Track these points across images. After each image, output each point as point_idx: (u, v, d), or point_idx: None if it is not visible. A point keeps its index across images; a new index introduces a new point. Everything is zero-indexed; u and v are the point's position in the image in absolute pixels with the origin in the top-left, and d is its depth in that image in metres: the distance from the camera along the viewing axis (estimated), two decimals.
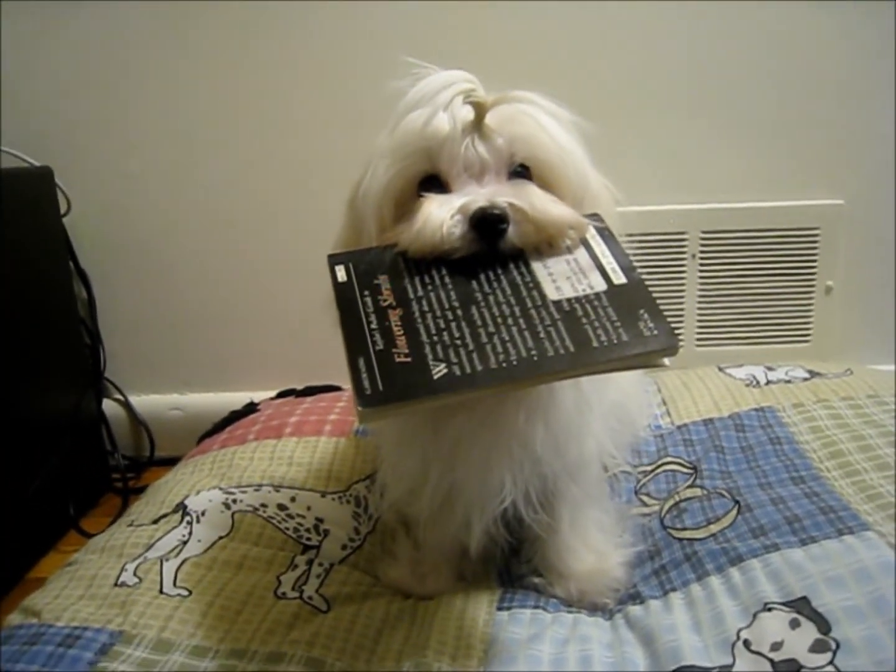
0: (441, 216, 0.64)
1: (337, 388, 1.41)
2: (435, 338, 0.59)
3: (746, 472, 0.95)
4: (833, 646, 0.64)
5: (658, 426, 1.13)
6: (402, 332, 0.60)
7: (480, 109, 0.67)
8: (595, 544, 0.85)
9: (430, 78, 0.67)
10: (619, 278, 0.63)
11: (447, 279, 0.63)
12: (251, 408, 1.38)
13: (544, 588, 0.84)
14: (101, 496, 1.60)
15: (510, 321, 0.60)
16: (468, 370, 0.57)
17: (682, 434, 1.08)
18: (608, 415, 0.84)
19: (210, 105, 1.56)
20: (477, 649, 0.74)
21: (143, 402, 1.72)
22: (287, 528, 0.95)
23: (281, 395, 1.46)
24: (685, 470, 1.00)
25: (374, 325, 0.60)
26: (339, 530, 0.96)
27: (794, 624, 0.68)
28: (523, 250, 0.65)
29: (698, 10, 1.48)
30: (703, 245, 1.55)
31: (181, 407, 1.71)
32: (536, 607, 0.80)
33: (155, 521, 0.98)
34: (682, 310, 1.57)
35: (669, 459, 1.03)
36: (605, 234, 0.67)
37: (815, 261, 1.56)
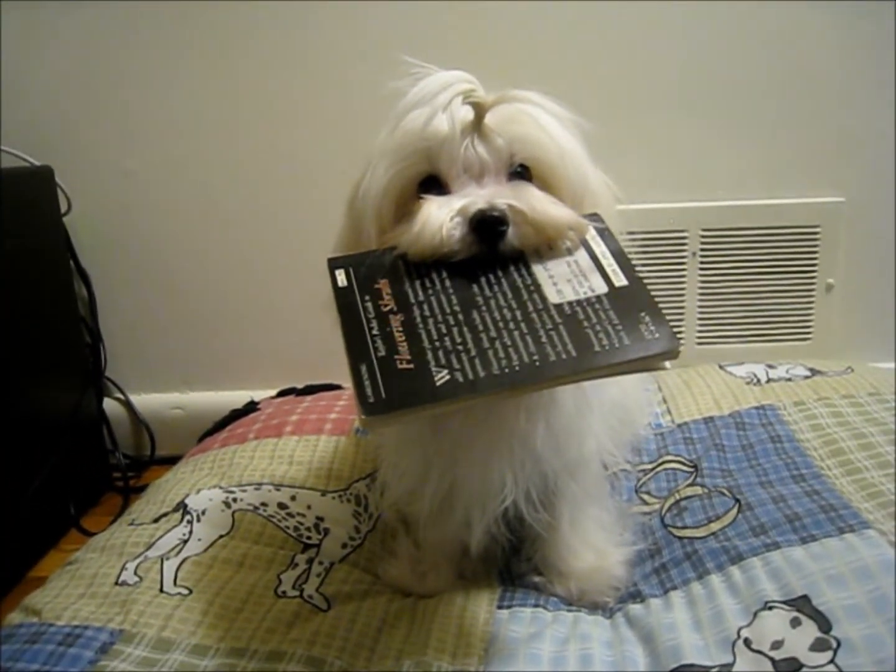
0: (440, 218, 0.63)
1: (337, 387, 1.41)
2: (437, 343, 0.59)
3: (747, 471, 0.95)
4: (834, 644, 0.64)
5: (658, 424, 1.13)
6: (403, 337, 0.59)
7: (480, 109, 0.67)
8: (595, 543, 0.85)
9: (429, 78, 0.67)
10: (620, 280, 0.63)
11: (448, 283, 0.63)
12: (252, 406, 1.38)
13: (544, 587, 0.84)
14: (102, 495, 1.60)
15: (511, 325, 0.60)
16: (470, 376, 0.57)
17: (683, 432, 1.09)
18: (608, 413, 0.84)
19: (211, 104, 1.55)
20: (477, 648, 0.74)
21: (143, 400, 1.72)
22: (287, 527, 0.95)
23: (281, 393, 1.46)
24: (686, 468, 1.00)
25: (375, 331, 0.60)
26: (340, 529, 0.96)
27: (795, 622, 0.67)
28: (523, 252, 0.65)
29: (699, 8, 1.47)
30: (703, 243, 1.54)
31: (182, 406, 1.71)
32: (537, 606, 0.80)
33: (155, 520, 0.98)
34: (682, 308, 1.57)
35: (670, 458, 1.03)
36: (605, 234, 0.67)
37: (815, 258, 1.56)
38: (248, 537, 0.93)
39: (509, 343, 0.58)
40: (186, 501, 1.00)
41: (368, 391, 0.56)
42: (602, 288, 0.62)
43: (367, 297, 0.63)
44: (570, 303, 0.61)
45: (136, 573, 0.87)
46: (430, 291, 0.62)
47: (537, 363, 0.57)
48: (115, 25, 1.52)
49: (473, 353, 0.58)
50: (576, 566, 0.83)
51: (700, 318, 1.58)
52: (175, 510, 0.99)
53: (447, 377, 0.57)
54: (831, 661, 0.63)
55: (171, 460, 1.30)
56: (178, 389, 1.73)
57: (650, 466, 1.03)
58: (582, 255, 0.65)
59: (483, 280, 0.63)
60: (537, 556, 0.85)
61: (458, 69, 0.68)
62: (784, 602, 0.70)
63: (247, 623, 0.79)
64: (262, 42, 1.52)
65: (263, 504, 0.99)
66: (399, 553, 0.90)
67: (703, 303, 1.57)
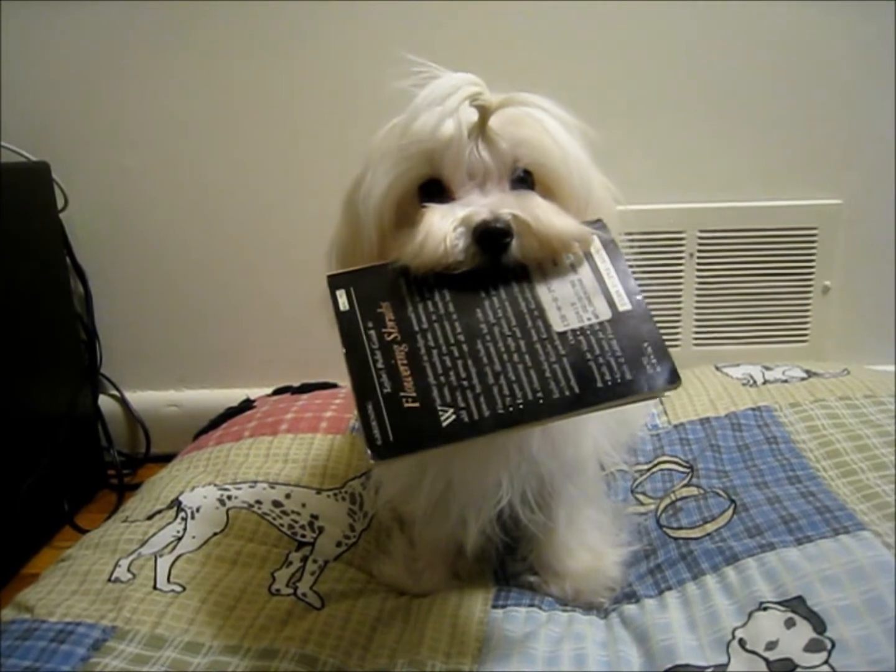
0: (444, 229, 0.63)
1: (333, 386, 1.41)
2: (442, 378, 0.59)
3: (743, 472, 0.95)
4: (828, 645, 0.64)
5: (655, 425, 1.13)
6: (408, 371, 0.59)
7: (484, 112, 0.66)
8: (591, 543, 0.85)
9: (438, 81, 0.65)
10: (624, 304, 0.63)
11: (451, 307, 0.62)
12: (247, 404, 1.38)
13: (539, 586, 0.84)
14: (97, 492, 1.59)
15: (516, 357, 0.60)
16: (475, 416, 0.57)
17: (679, 433, 1.09)
18: (605, 414, 0.84)
19: (208, 101, 1.55)
20: (471, 647, 0.74)
21: (139, 398, 1.71)
22: (282, 525, 0.95)
23: (277, 392, 1.46)
24: (681, 469, 1.00)
25: (380, 364, 0.60)
26: (334, 527, 0.95)
27: (790, 623, 0.67)
28: (526, 266, 0.64)
29: (697, 9, 1.48)
30: (700, 244, 1.54)
31: (177, 403, 1.71)
32: (531, 606, 0.80)
33: (149, 518, 0.98)
34: (679, 309, 1.57)
35: (666, 458, 1.03)
36: (610, 247, 0.66)
37: (812, 260, 1.56)
38: (243, 535, 0.93)
39: (513, 378, 0.59)
40: (181, 499, 1.00)
41: (376, 433, 0.56)
42: (606, 313, 0.62)
43: (370, 325, 0.62)
44: (573, 331, 0.61)
45: (129, 570, 0.87)
46: (434, 317, 0.62)
47: (541, 401, 0.58)
48: (114, 22, 1.51)
49: (478, 389, 0.58)
50: (571, 566, 0.83)
51: (697, 320, 1.58)
52: (169, 507, 0.99)
53: (452, 417, 0.57)
54: (826, 662, 0.63)
55: (166, 458, 1.30)
56: (174, 387, 1.72)
57: (646, 467, 1.03)
58: (586, 274, 0.65)
59: (487, 304, 0.62)
60: (532, 555, 0.85)
61: (460, 70, 0.67)
62: (779, 603, 0.70)
63: (240, 621, 0.79)
64: (260, 40, 1.52)
65: (258, 502, 0.98)
66: (394, 552, 0.89)
67: (699, 304, 1.57)
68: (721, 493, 0.91)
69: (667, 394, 0.60)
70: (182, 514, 0.97)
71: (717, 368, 1.28)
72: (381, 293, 0.64)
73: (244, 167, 1.58)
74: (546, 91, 0.69)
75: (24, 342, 1.38)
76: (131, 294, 1.66)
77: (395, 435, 0.57)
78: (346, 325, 0.62)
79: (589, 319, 0.62)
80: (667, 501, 0.93)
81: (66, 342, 1.56)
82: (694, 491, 0.94)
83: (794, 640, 0.65)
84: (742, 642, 0.68)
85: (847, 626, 0.65)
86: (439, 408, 0.58)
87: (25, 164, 1.50)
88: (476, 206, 0.64)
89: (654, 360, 0.59)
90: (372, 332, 0.62)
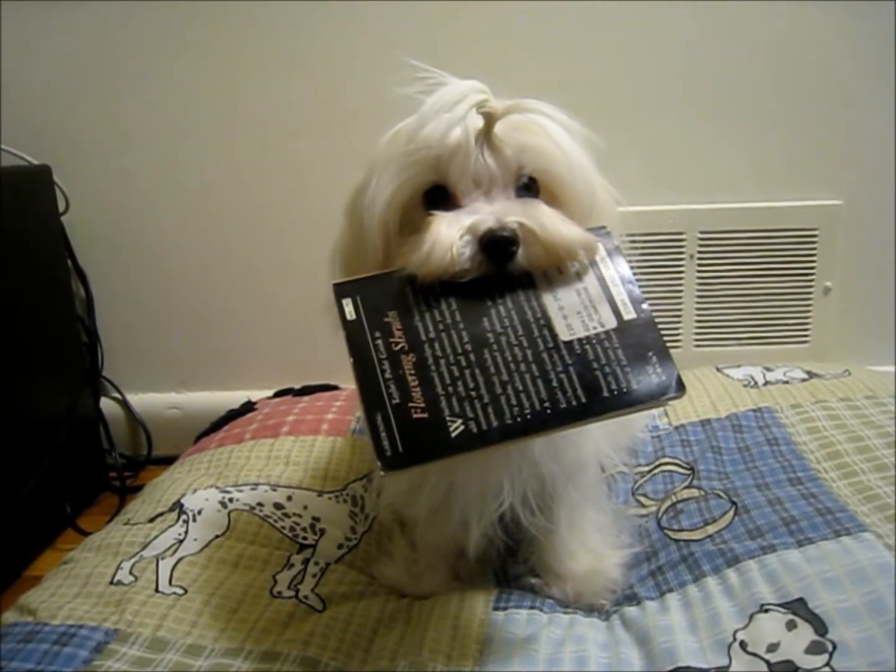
0: (450, 237, 0.63)
1: (334, 388, 1.41)
2: (450, 388, 0.59)
3: (744, 473, 0.95)
4: (829, 647, 0.64)
5: (655, 427, 1.13)
6: (416, 381, 0.60)
7: (490, 119, 0.66)
8: (592, 545, 0.85)
9: (446, 89, 0.65)
10: (629, 312, 0.63)
11: (458, 316, 0.62)
12: (248, 407, 1.38)
13: (541, 589, 0.84)
14: (98, 495, 1.59)
15: (523, 367, 0.60)
16: (483, 426, 0.58)
17: (680, 435, 1.08)
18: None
19: (209, 104, 1.55)
20: (472, 649, 0.73)
21: (140, 400, 1.72)
22: (283, 527, 0.95)
23: (278, 394, 1.46)
24: (682, 471, 1.00)
25: (388, 375, 0.60)
26: (336, 529, 0.95)
27: (791, 625, 0.67)
28: (532, 275, 0.64)
29: (697, 10, 1.48)
30: (701, 245, 1.54)
31: (179, 406, 1.71)
32: (532, 608, 0.80)
33: (151, 520, 0.98)
34: (679, 310, 1.57)
35: (667, 460, 1.03)
36: (615, 254, 0.67)
37: (813, 261, 1.56)
38: (244, 537, 0.93)
39: (521, 388, 0.59)
40: (182, 501, 1.00)
41: (385, 444, 0.57)
42: (611, 322, 0.63)
43: (377, 334, 0.62)
44: (579, 339, 0.62)
45: (131, 573, 0.87)
46: (441, 326, 0.62)
47: (548, 411, 0.58)
48: (115, 25, 1.52)
49: (486, 399, 0.59)
50: (572, 568, 0.83)
51: (697, 321, 1.58)
52: (171, 510, 0.99)
53: (461, 428, 0.58)
54: (827, 664, 0.63)
55: (168, 460, 1.30)
56: (175, 389, 1.72)
57: (647, 469, 1.03)
58: (591, 282, 0.65)
59: (493, 313, 0.63)
60: (534, 557, 0.85)
61: (461, 73, 0.67)
62: (780, 605, 0.70)
63: (242, 623, 0.79)
64: (260, 42, 1.52)
65: (259, 504, 0.98)
66: (395, 554, 0.89)
67: (700, 305, 1.57)
68: (722, 494, 0.91)
69: (671, 402, 0.60)
70: (184, 517, 0.97)
71: (718, 369, 1.28)
72: (388, 302, 0.64)
73: (245, 169, 1.58)
74: (545, 93, 0.69)
75: (26, 344, 1.38)
76: (132, 296, 1.66)
77: (404, 446, 0.57)
78: (354, 334, 0.62)
79: (594, 328, 0.62)
80: (668, 503, 0.93)
81: (68, 345, 1.56)
82: (695, 493, 0.94)
83: (795, 642, 0.65)
84: (743, 644, 0.68)
85: (848, 628, 0.65)
86: (448, 418, 0.58)
87: (27, 167, 1.50)
88: (482, 213, 0.64)
89: (658, 370, 0.60)
90: (379, 342, 0.62)
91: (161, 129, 1.57)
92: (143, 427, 1.70)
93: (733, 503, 0.88)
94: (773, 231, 1.54)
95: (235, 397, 1.50)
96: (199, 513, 0.97)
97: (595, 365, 0.60)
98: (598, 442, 0.82)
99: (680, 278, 1.56)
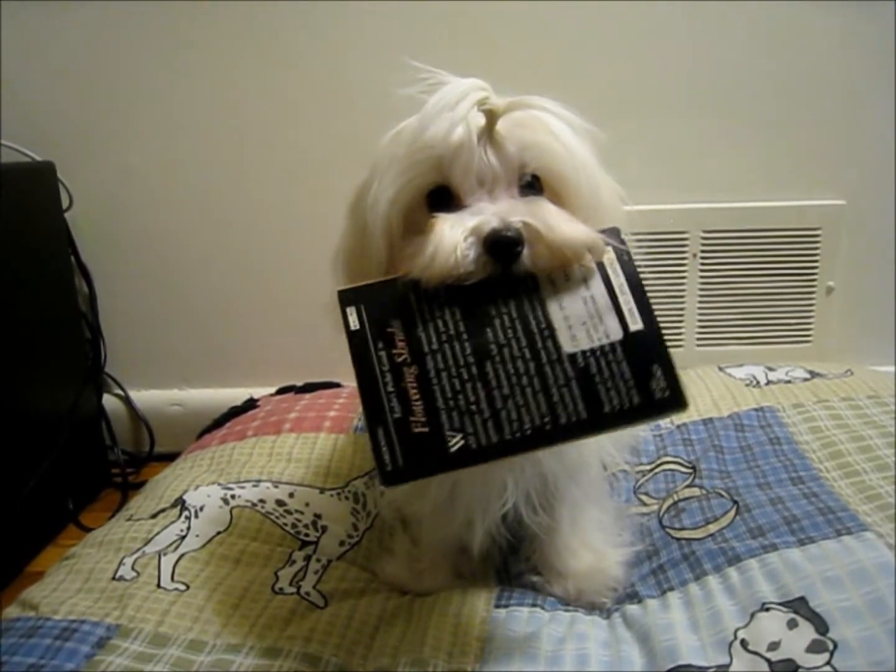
0: (454, 239, 0.62)
1: (336, 385, 1.42)
2: (451, 402, 0.60)
3: (745, 472, 0.95)
4: (830, 646, 0.64)
5: (657, 425, 1.12)
6: (418, 395, 0.60)
7: (492, 116, 0.65)
8: (594, 543, 0.85)
9: (447, 88, 0.64)
10: (636, 323, 0.62)
11: (461, 326, 0.62)
12: (251, 404, 1.38)
13: (542, 587, 0.84)
14: (101, 491, 1.60)
15: (525, 380, 0.60)
16: (483, 442, 0.58)
17: (682, 433, 1.08)
18: None
19: (212, 100, 1.55)
20: (473, 647, 0.74)
21: (142, 397, 1.72)
22: (285, 524, 0.95)
23: (280, 391, 1.46)
24: (684, 470, 1.00)
25: (390, 388, 0.60)
26: (338, 526, 0.96)
27: (792, 624, 0.67)
28: (537, 279, 0.64)
29: (700, 9, 1.47)
30: (703, 244, 1.54)
31: (181, 402, 1.71)
32: (534, 605, 0.80)
33: (153, 516, 0.98)
34: (682, 309, 1.57)
35: (668, 459, 1.03)
36: (624, 258, 0.65)
37: (816, 261, 1.55)
38: (246, 534, 0.93)
39: (521, 403, 0.59)
40: (185, 497, 1.00)
41: (386, 458, 0.58)
42: (617, 333, 0.62)
43: (380, 345, 0.62)
44: (583, 352, 0.61)
45: (133, 568, 0.87)
46: (444, 337, 0.62)
47: (547, 426, 0.59)
48: (118, 21, 1.52)
49: (486, 414, 0.59)
50: (574, 566, 0.83)
51: (700, 320, 1.58)
52: (173, 506, 0.99)
53: (461, 443, 0.58)
54: (828, 663, 0.63)
55: (170, 457, 1.30)
56: (178, 386, 1.73)
57: (649, 467, 1.03)
58: (598, 289, 0.64)
59: (497, 323, 0.62)
60: (535, 555, 0.85)
61: (462, 72, 0.66)
62: (781, 603, 0.70)
63: (243, 619, 0.79)
64: (263, 39, 1.52)
65: (261, 501, 0.99)
66: (396, 551, 0.90)
67: (703, 304, 1.57)
68: (723, 493, 0.91)
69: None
70: (186, 513, 0.97)
71: (720, 369, 1.28)
72: (392, 311, 0.64)
73: (249, 166, 1.58)
74: (548, 91, 0.69)
75: (29, 341, 1.38)
76: (136, 293, 1.66)
77: (404, 460, 0.58)
78: (357, 345, 0.63)
79: (600, 340, 0.62)
80: (669, 502, 0.93)
81: (70, 341, 1.56)
82: (696, 492, 0.94)
83: (796, 641, 0.65)
84: (744, 643, 0.68)
85: (849, 627, 0.65)
86: (447, 433, 0.59)
87: (30, 163, 1.50)
88: (486, 214, 0.64)
89: (662, 384, 0.59)
90: (382, 354, 0.62)
91: (165, 126, 1.57)
92: (145, 424, 1.70)
93: (735, 502, 0.89)
94: (775, 230, 1.54)
95: (238, 394, 1.50)
96: (202, 509, 0.97)
97: (598, 379, 0.60)
98: (601, 441, 0.82)
99: (682, 277, 1.56)
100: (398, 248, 0.68)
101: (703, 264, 1.55)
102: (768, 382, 1.19)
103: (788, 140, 1.54)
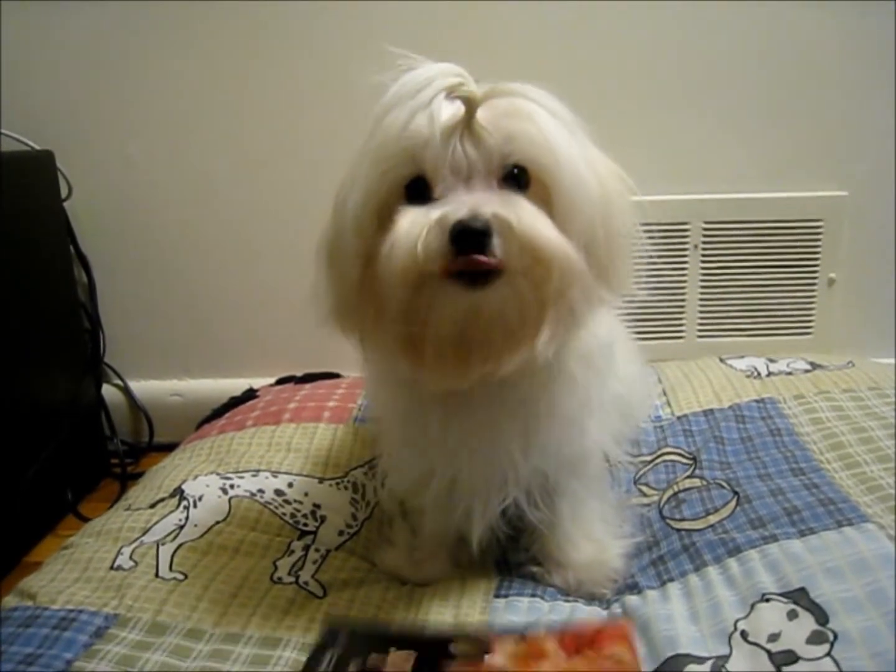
0: (415, 231, 0.60)
1: (336, 375, 1.41)
2: None
3: (746, 464, 0.95)
4: (830, 637, 0.64)
5: (658, 417, 1.12)
6: None
7: (470, 105, 0.62)
8: (595, 535, 0.85)
9: (411, 73, 0.62)
10: None
11: None
12: (250, 394, 1.38)
13: (542, 577, 0.83)
14: (100, 481, 1.59)
15: None
16: None
17: (683, 424, 1.08)
18: (610, 409, 0.84)
19: (212, 91, 1.55)
20: None
21: (142, 387, 1.71)
22: (284, 514, 0.95)
23: (280, 381, 1.46)
24: (685, 460, 1.00)
25: None
26: (337, 516, 0.95)
27: (792, 615, 0.67)
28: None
29: (702, 2, 1.47)
30: (705, 236, 1.54)
31: (180, 393, 1.71)
32: (534, 596, 0.80)
33: (152, 506, 0.98)
34: (683, 301, 1.56)
35: (669, 450, 1.03)
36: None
37: (817, 253, 1.55)
38: (245, 524, 0.93)
39: None
40: (183, 487, 1.00)
41: None
42: None
43: None
44: None
45: (131, 558, 0.87)
46: None
47: None
48: (119, 12, 1.51)
49: None
50: (574, 558, 0.83)
51: (701, 311, 1.57)
52: (172, 496, 0.99)
53: None
54: (828, 654, 0.62)
55: (169, 447, 1.30)
56: (177, 376, 1.72)
57: (649, 458, 1.03)
58: None
59: None
60: (535, 546, 0.85)
61: (447, 62, 0.63)
62: (781, 594, 0.70)
63: (242, 608, 0.79)
64: (263, 31, 1.51)
65: (260, 491, 0.98)
66: (396, 541, 0.89)
67: (704, 296, 1.57)
68: (724, 484, 0.91)
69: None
70: (184, 503, 0.97)
71: (721, 360, 1.28)
72: None
73: (248, 156, 1.57)
74: (548, 82, 0.66)
75: (28, 332, 1.37)
76: (135, 283, 1.66)
77: None
78: None
79: None
80: (669, 493, 0.93)
81: (70, 331, 1.56)
82: (697, 482, 0.93)
83: (796, 632, 0.65)
84: (744, 634, 0.67)
85: (849, 618, 0.65)
86: None
87: (29, 152, 1.50)
88: (455, 204, 0.61)
89: None
90: None
91: (165, 115, 1.57)
92: (144, 414, 1.70)
93: (735, 493, 0.88)
94: (777, 222, 1.53)
95: (237, 385, 1.50)
96: (200, 499, 0.97)
97: None
98: (602, 435, 0.82)
99: (684, 268, 1.55)
100: (373, 245, 0.64)
101: (704, 255, 1.55)
102: (769, 374, 1.18)
103: (790, 131, 1.53)
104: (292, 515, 0.95)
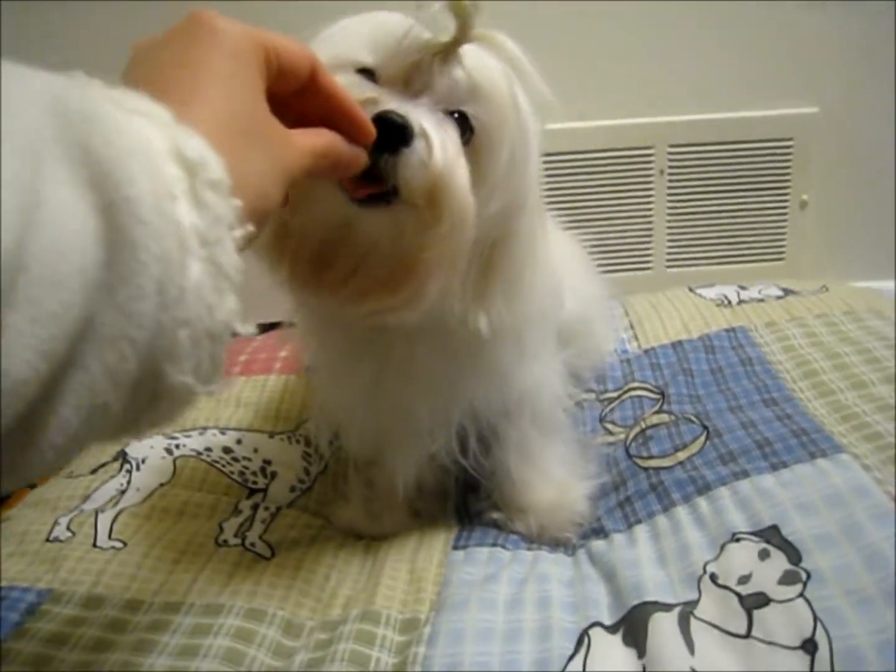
0: None
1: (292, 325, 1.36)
2: None
3: (716, 396, 0.91)
4: (804, 577, 0.60)
5: (625, 350, 1.08)
6: None
7: (463, 31, 0.57)
8: (555, 477, 0.81)
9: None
10: None
11: None
12: None
13: (504, 523, 0.80)
14: None
15: None
16: None
17: (650, 358, 1.04)
18: (554, 348, 0.82)
19: None
20: (429, 592, 0.70)
21: None
22: (232, 472, 0.90)
23: (231, 334, 1.40)
24: (652, 395, 0.96)
25: None
26: (288, 472, 0.91)
27: (764, 554, 0.64)
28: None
29: None
30: (670, 160, 1.48)
31: None
32: (495, 545, 0.76)
33: (93, 472, 0.93)
34: (650, 229, 1.51)
35: (636, 385, 0.99)
36: None
37: (788, 173, 1.51)
38: (191, 485, 0.88)
39: None
40: (126, 450, 0.94)
41: None
42: None
43: None
44: None
45: (68, 528, 0.82)
46: None
47: None
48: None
49: None
50: (535, 501, 0.79)
51: (669, 240, 1.53)
52: (115, 460, 0.94)
53: None
54: (801, 595, 0.59)
55: None
56: None
57: (615, 395, 0.99)
58: None
59: None
60: (496, 492, 0.81)
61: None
62: (752, 533, 0.66)
63: (184, 575, 0.74)
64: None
65: (207, 449, 0.93)
66: (351, 494, 0.85)
67: (671, 223, 1.52)
68: (693, 419, 0.87)
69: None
70: (127, 466, 0.92)
71: (691, 290, 1.23)
72: None
73: None
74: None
75: None
76: None
77: None
78: None
79: None
80: (636, 430, 0.89)
81: None
82: (665, 418, 0.89)
83: (767, 573, 0.62)
84: (714, 577, 0.64)
85: (823, 556, 0.61)
86: None
87: None
88: (393, 101, 0.56)
89: None
90: None
91: None
92: None
93: (705, 427, 0.84)
94: (746, 142, 1.49)
95: None
96: (143, 461, 0.92)
97: None
98: (545, 376, 0.78)
99: (649, 195, 1.50)
100: None
101: (670, 181, 1.50)
102: (740, 302, 1.14)
103: (758, 46, 1.47)
104: (241, 473, 0.90)
